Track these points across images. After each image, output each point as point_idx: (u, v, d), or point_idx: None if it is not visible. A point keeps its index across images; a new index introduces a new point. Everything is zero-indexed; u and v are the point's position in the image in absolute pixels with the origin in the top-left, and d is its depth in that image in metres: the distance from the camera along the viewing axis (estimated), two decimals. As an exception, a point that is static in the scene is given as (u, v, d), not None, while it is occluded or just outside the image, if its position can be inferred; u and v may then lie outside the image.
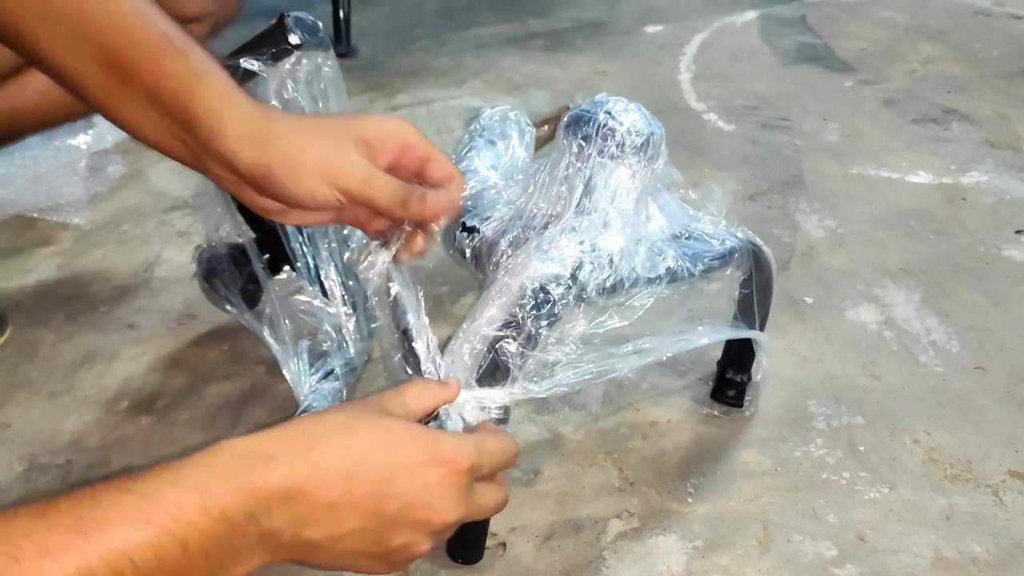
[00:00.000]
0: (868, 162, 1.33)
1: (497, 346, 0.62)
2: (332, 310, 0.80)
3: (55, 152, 1.23)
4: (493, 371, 0.63)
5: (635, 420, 0.85)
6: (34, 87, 0.86)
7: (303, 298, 0.86)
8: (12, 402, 0.90)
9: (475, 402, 0.62)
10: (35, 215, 1.22)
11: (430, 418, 0.61)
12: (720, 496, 0.77)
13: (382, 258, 0.62)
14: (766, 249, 0.77)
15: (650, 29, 1.94)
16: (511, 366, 0.62)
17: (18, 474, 0.82)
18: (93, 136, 1.27)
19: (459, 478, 0.51)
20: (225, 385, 0.92)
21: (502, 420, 0.63)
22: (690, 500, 0.76)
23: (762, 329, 0.80)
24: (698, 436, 0.83)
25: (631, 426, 0.84)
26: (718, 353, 0.87)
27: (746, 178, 1.29)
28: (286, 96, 0.79)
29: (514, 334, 0.62)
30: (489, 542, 0.72)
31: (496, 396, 0.62)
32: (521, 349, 0.62)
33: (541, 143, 0.93)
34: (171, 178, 1.33)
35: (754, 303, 0.78)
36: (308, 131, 0.58)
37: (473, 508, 0.53)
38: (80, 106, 0.90)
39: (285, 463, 0.47)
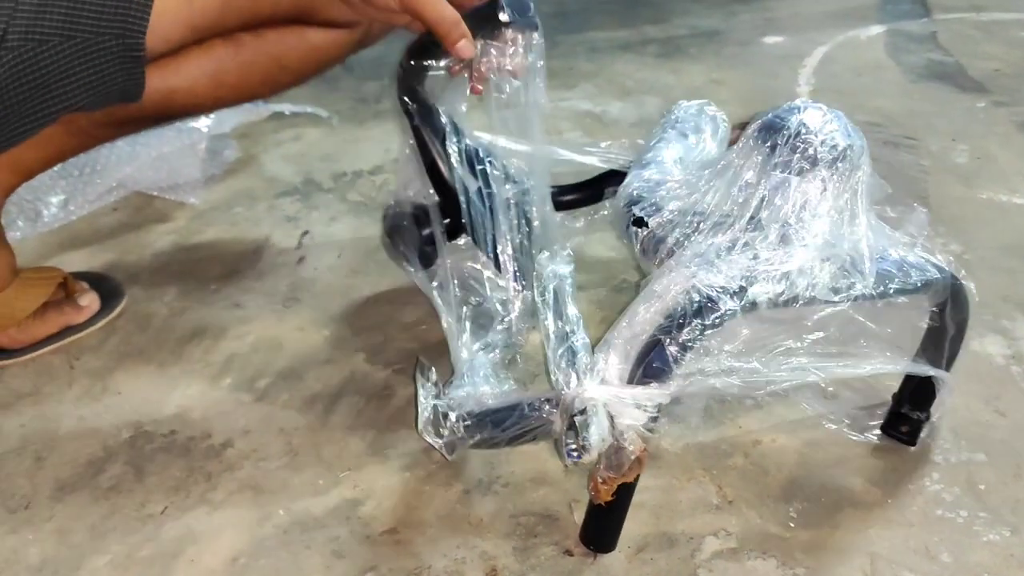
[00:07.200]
0: (999, 187, 1.26)
1: (655, 348, 0.61)
2: (502, 283, 0.81)
3: (177, 133, 1.27)
4: (648, 371, 0.62)
5: (736, 437, 0.82)
6: (188, 70, 0.85)
7: (476, 267, 0.88)
8: (123, 370, 0.93)
9: (630, 399, 0.61)
10: (154, 193, 1.26)
11: (577, 413, 0.60)
12: (825, 524, 0.73)
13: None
14: (968, 284, 0.72)
15: (769, 40, 1.89)
16: (666, 369, 0.61)
17: (125, 440, 0.84)
18: (214, 119, 1.30)
19: None
20: (324, 370, 0.93)
21: (654, 418, 0.63)
22: (792, 525, 0.73)
23: (948, 369, 0.75)
24: (803, 459, 0.79)
25: (732, 443, 0.81)
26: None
27: (865, 196, 1.23)
28: None
29: (671, 338, 0.61)
30: (579, 550, 0.71)
31: (654, 395, 0.61)
32: (678, 353, 0.61)
33: (731, 144, 0.91)
34: (283, 165, 1.36)
35: (945, 340, 0.73)
36: None
37: None
38: (227, 95, 0.91)
39: None
